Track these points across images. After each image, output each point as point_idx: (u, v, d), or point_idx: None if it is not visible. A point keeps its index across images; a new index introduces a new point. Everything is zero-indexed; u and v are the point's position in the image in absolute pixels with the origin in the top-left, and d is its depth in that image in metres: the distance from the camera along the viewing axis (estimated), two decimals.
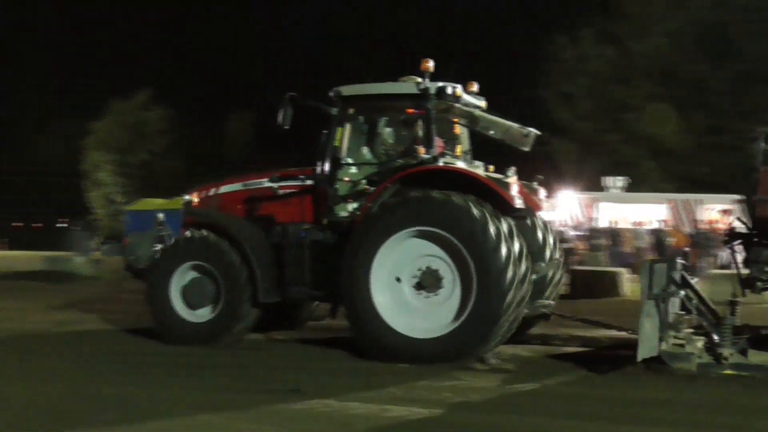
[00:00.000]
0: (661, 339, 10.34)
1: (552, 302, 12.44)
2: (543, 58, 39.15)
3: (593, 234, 30.88)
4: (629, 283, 20.58)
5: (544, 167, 39.06)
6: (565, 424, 7.83)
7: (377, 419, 7.94)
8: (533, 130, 12.40)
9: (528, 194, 12.30)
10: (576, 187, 35.93)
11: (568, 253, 22.11)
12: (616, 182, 34.68)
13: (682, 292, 10.72)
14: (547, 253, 12.50)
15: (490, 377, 10.02)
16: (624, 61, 38.18)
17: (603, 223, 33.48)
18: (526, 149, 12.48)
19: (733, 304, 11.47)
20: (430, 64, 11.64)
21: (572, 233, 31.46)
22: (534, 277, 11.93)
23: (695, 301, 10.98)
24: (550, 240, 12.71)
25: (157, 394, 8.86)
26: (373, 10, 64.48)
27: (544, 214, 12.88)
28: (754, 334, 11.33)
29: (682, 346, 10.46)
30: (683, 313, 10.99)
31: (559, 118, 38.45)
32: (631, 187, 34.94)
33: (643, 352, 10.14)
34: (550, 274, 12.53)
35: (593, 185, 35.55)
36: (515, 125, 12.35)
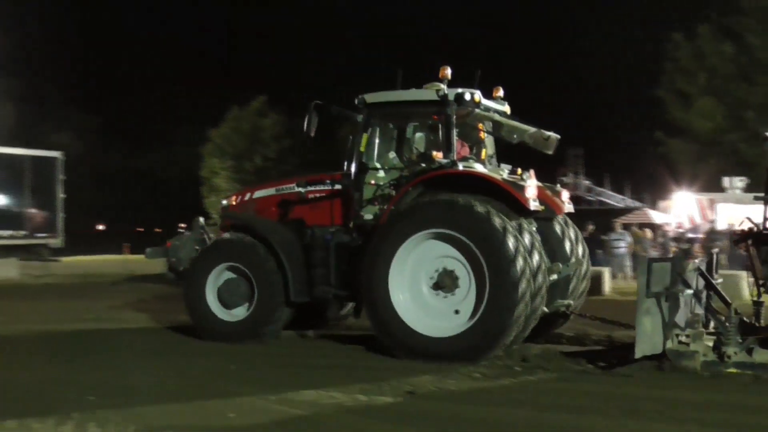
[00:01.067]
0: (666, 337, 10.44)
1: (571, 302, 12.60)
2: (659, 56, 38.49)
3: (711, 236, 30.15)
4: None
5: (659, 168, 38.57)
6: (551, 417, 8.17)
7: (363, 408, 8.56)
8: (553, 134, 12.65)
9: (549, 196, 12.56)
10: (694, 188, 35.19)
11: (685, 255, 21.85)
12: (735, 183, 33.72)
13: (689, 291, 10.72)
14: (570, 254, 12.68)
15: (494, 372, 10.38)
16: (744, 58, 37.03)
17: (722, 225, 32.64)
18: (550, 152, 12.77)
19: (757, 305, 11.54)
20: (448, 72, 12.08)
21: (689, 235, 30.88)
22: (554, 277, 12.19)
23: (704, 300, 11.02)
24: (574, 241, 12.89)
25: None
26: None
27: (567, 215, 13.05)
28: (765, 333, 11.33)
29: (687, 344, 10.53)
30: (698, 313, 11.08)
31: (676, 117, 37.59)
32: (752, 188, 33.89)
33: (642, 349, 10.31)
34: (573, 273, 12.69)
35: (712, 186, 34.66)
36: (536, 129, 12.62)
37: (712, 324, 11.45)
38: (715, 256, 12.51)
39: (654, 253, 27.62)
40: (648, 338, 10.39)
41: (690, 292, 10.79)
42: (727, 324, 10.61)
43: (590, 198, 44.20)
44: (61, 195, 31.99)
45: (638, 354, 10.32)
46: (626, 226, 31.37)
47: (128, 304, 18.64)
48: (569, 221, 13.17)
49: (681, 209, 34.41)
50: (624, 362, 10.60)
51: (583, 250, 13.10)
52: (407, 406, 8.70)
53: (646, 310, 10.41)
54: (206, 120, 44.74)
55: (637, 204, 42.25)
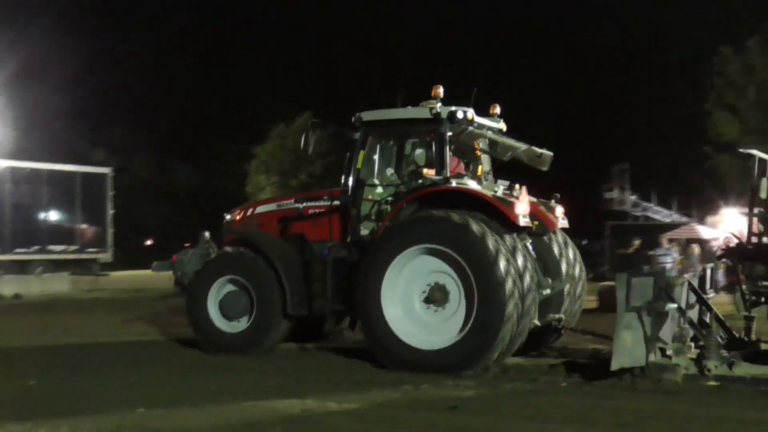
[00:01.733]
0: (649, 350, 10.58)
1: (562, 316, 12.73)
2: (708, 70, 38.05)
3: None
4: None
5: (707, 183, 38.11)
6: (510, 424, 8.46)
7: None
8: (546, 151, 12.86)
9: (543, 212, 12.74)
10: (742, 204, 34.71)
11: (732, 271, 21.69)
12: None
13: (672, 306, 10.84)
14: (564, 269, 12.85)
15: (473, 383, 10.59)
16: None
17: None
18: (544, 169, 12.96)
19: (748, 320, 11.64)
20: (440, 91, 12.38)
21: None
22: (547, 292, 12.39)
23: (688, 315, 11.12)
24: (570, 256, 13.05)
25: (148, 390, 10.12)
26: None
27: (561, 231, 13.21)
28: (753, 348, 11.43)
29: (670, 357, 10.68)
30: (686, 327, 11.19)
31: (725, 132, 37.12)
32: None
33: (619, 362, 10.48)
34: (567, 289, 12.84)
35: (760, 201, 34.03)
36: (528, 147, 12.83)
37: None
38: (709, 271, 12.55)
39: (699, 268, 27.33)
40: (627, 351, 10.54)
41: (674, 306, 10.89)
42: (708, 338, 10.76)
43: (636, 213, 43.86)
44: (110, 210, 32.91)
45: (615, 366, 10.48)
46: (671, 241, 31.10)
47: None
48: (569, 240, 13.37)
49: (729, 225, 33.98)
50: (603, 375, 10.72)
51: (580, 270, 13.25)
52: (377, 412, 9.05)
53: (626, 324, 10.58)
54: (252, 136, 45.40)
55: (684, 219, 41.78)
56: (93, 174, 33.16)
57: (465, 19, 75.91)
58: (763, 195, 11.45)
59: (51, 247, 31.66)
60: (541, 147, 13.42)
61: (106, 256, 33.05)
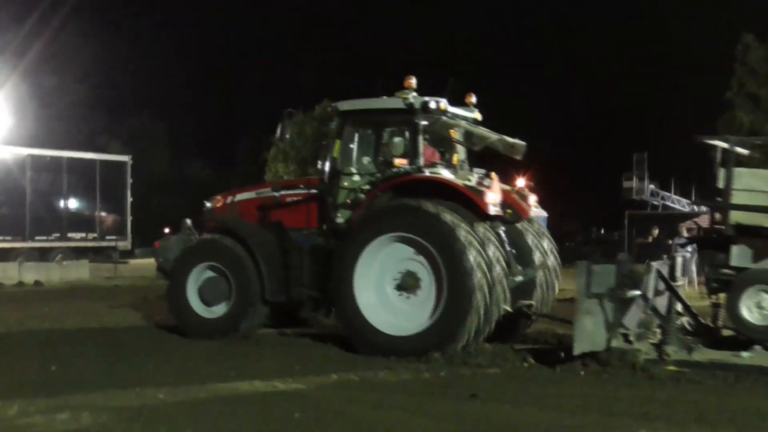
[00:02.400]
0: (611, 336, 10.82)
1: (533, 302, 12.91)
2: (729, 58, 37.73)
3: None
4: None
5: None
6: (534, 414, 8.47)
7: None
8: (518, 141, 13.01)
9: (516, 200, 12.91)
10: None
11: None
12: None
13: (636, 292, 10.99)
14: (538, 258, 12.99)
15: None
16: None
17: None
18: (518, 158, 13.08)
19: (716, 307, 11.80)
20: (413, 81, 12.57)
21: None
22: (519, 279, 12.54)
23: (650, 302, 11.28)
24: (544, 246, 13.19)
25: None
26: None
27: (535, 219, 13.36)
28: (716, 334, 11.71)
29: (631, 342, 10.93)
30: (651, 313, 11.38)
31: (746, 121, 36.82)
32: None
33: (580, 347, 10.77)
34: (540, 277, 12.98)
35: None
36: (501, 136, 12.97)
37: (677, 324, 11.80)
38: (680, 259, 12.68)
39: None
40: (588, 336, 10.82)
41: (637, 293, 11.05)
42: (669, 324, 11.12)
43: (655, 202, 43.61)
44: (129, 198, 33.37)
45: (577, 351, 10.77)
46: (690, 230, 30.98)
47: None
48: (544, 231, 13.55)
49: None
50: (565, 359, 11.01)
51: (554, 260, 13.40)
52: (399, 398, 9.22)
53: (587, 311, 10.85)
54: (271, 124, 45.57)
55: (703, 208, 41.45)
56: (112, 162, 33.64)
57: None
58: (720, 185, 11.53)
59: (71, 235, 32.15)
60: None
61: (125, 244, 33.50)
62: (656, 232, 27.26)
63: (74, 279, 29.34)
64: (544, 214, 35.10)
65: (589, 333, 10.81)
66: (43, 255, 31.19)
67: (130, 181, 33.40)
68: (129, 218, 33.37)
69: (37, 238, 31.19)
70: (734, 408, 8.64)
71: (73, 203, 32.72)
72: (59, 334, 14.19)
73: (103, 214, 33.20)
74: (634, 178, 42.65)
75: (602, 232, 44.57)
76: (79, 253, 31.92)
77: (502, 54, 65.98)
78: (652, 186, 43.27)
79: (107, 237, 32.83)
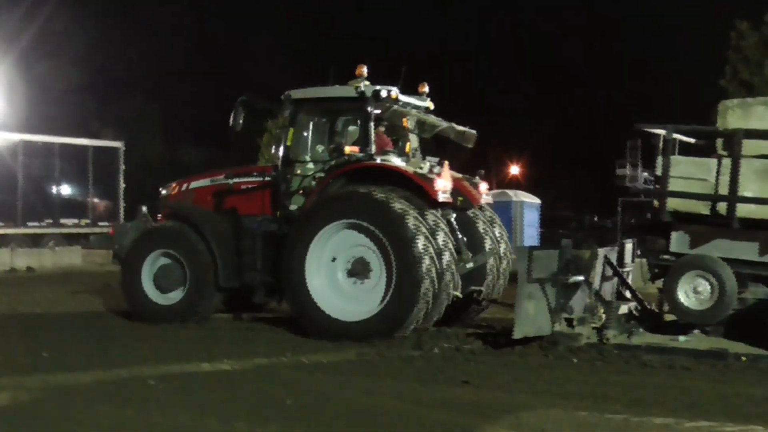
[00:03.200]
0: (554, 320, 10.99)
1: (482, 288, 13.06)
2: (722, 45, 37.42)
3: None
4: None
5: None
6: (526, 400, 8.48)
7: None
8: (468, 129, 13.11)
9: (467, 187, 13.01)
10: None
11: None
12: None
13: (580, 278, 11.09)
14: (488, 244, 13.08)
15: (485, 358, 10.86)
16: None
17: None
18: (470, 146, 13.16)
19: (661, 292, 11.96)
20: (364, 70, 12.69)
21: None
22: (470, 266, 12.68)
23: (592, 287, 11.38)
24: (496, 233, 13.27)
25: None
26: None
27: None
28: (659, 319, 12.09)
29: (574, 326, 11.09)
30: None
31: None
32: None
33: (521, 331, 10.96)
34: (491, 264, 13.06)
35: None
36: (451, 125, 13.06)
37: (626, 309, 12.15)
38: (629, 245, 12.76)
39: None
40: (530, 321, 11.02)
41: (581, 278, 11.15)
42: (609, 309, 11.41)
43: (649, 189, 43.31)
44: (122, 184, 33.44)
45: (517, 335, 10.97)
46: None
47: None
48: (496, 218, 13.64)
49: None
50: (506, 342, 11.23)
51: (506, 248, 13.49)
52: (388, 385, 9.27)
53: (528, 295, 11.04)
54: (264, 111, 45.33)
55: None
56: (105, 148, 33.63)
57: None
58: (658, 172, 11.64)
59: (63, 221, 32.23)
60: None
61: None
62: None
63: (67, 265, 29.42)
64: (537, 201, 35.12)
65: (531, 317, 10.99)
66: (35, 241, 31.27)
67: (123, 167, 33.44)
68: (122, 204, 33.42)
69: (29, 224, 31.21)
70: (726, 394, 8.71)
71: (65, 189, 32.77)
72: (50, 318, 14.41)
73: (96, 200, 33.26)
74: (628, 166, 42.40)
75: (596, 219, 44.39)
76: (71, 239, 31.98)
77: (490, 39, 65.71)
78: (645, 173, 43.02)
79: (100, 223, 32.84)
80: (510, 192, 34.57)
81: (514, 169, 57.06)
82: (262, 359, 10.67)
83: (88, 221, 32.84)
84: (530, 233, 33.47)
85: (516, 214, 32.92)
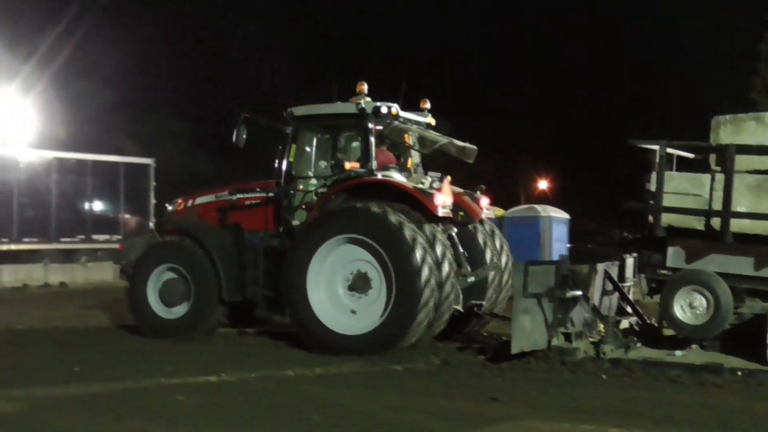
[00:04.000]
0: (551, 335, 11.04)
1: (483, 302, 13.08)
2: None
3: None
4: None
5: None
6: (555, 417, 8.46)
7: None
8: (468, 144, 13.18)
9: (467, 202, 13.09)
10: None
11: None
12: None
13: (577, 293, 11.19)
14: (489, 258, 13.12)
15: (513, 374, 10.79)
16: None
17: None
18: (470, 161, 13.23)
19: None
20: (364, 87, 12.83)
21: None
22: (471, 279, 12.77)
23: (590, 302, 11.43)
24: (496, 246, 13.32)
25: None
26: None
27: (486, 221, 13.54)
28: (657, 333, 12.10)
29: (571, 341, 11.13)
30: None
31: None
32: None
33: (518, 345, 11.01)
34: (492, 277, 13.11)
35: None
36: (450, 140, 13.16)
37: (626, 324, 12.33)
38: (631, 260, 12.77)
39: None
40: (527, 335, 11.07)
41: (578, 293, 11.19)
42: (606, 324, 11.56)
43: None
44: (152, 200, 33.83)
45: (515, 350, 11.02)
46: None
47: None
48: (496, 231, 13.68)
49: None
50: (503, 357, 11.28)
51: (507, 260, 13.52)
52: (412, 399, 9.40)
53: (524, 310, 11.09)
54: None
55: None
56: (136, 164, 34.02)
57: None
58: (651, 188, 11.64)
59: (95, 237, 32.69)
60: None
61: None
62: None
63: (98, 280, 29.82)
64: (566, 216, 34.90)
65: (528, 332, 11.03)
66: (68, 256, 31.73)
67: (153, 183, 33.84)
68: (152, 220, 33.79)
69: (62, 239, 31.66)
70: (757, 412, 8.71)
71: (97, 205, 33.21)
72: (81, 332, 14.63)
73: (127, 216, 33.66)
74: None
75: (624, 233, 44.08)
76: (103, 254, 32.38)
77: (491, 41, 65.16)
78: None
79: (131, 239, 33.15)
80: (538, 207, 34.32)
81: (543, 184, 56.82)
82: (288, 372, 10.82)
83: (119, 237, 33.21)
84: (559, 248, 33.19)
85: (544, 229, 32.63)
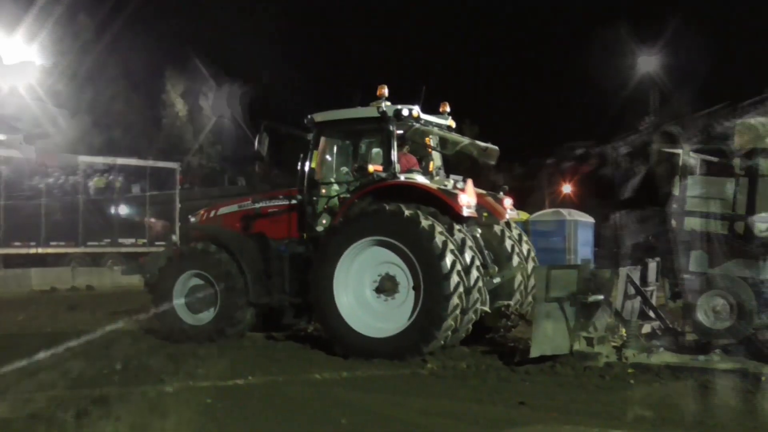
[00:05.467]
0: (573, 339, 11.06)
1: (510, 303, 13.09)
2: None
3: None
4: None
5: None
6: (583, 422, 8.40)
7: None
8: (491, 145, 13.20)
9: (491, 203, 13.13)
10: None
11: None
12: None
13: (600, 297, 11.19)
14: (515, 259, 13.19)
15: (541, 378, 10.74)
16: None
17: None
18: (492, 163, 13.26)
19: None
20: (385, 90, 12.85)
21: None
22: (497, 280, 12.82)
23: (613, 306, 11.44)
24: (523, 250, 13.35)
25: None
26: None
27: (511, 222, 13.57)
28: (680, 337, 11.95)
29: (593, 345, 11.13)
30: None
31: None
32: None
33: (539, 350, 10.97)
34: (519, 280, 13.14)
35: None
36: (473, 141, 13.19)
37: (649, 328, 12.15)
38: (654, 264, 12.72)
39: None
40: (548, 340, 11.04)
41: (600, 297, 11.18)
42: (629, 328, 11.47)
43: None
44: (178, 204, 34.12)
45: (535, 353, 10.97)
46: None
47: None
48: (524, 235, 13.69)
49: None
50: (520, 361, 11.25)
51: (533, 265, 13.50)
52: (437, 403, 9.41)
53: (546, 314, 11.06)
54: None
55: None
56: (161, 169, 34.40)
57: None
58: (675, 192, 11.61)
59: (121, 240, 33.03)
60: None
61: None
62: None
63: (125, 284, 30.00)
64: (591, 219, 34.76)
65: (549, 336, 11.01)
66: (95, 260, 32.08)
67: (178, 187, 34.12)
68: (178, 224, 34.09)
69: (89, 243, 32.06)
70: None
71: (123, 209, 33.56)
72: (116, 334, 14.46)
73: (153, 220, 33.98)
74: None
75: (650, 238, 43.83)
76: (129, 258, 32.62)
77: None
78: None
79: (156, 243, 33.50)
80: (564, 211, 34.19)
81: (566, 188, 56.61)
82: (315, 376, 10.83)
83: (145, 240, 33.55)
84: (585, 252, 33.08)
85: (570, 233, 32.53)
